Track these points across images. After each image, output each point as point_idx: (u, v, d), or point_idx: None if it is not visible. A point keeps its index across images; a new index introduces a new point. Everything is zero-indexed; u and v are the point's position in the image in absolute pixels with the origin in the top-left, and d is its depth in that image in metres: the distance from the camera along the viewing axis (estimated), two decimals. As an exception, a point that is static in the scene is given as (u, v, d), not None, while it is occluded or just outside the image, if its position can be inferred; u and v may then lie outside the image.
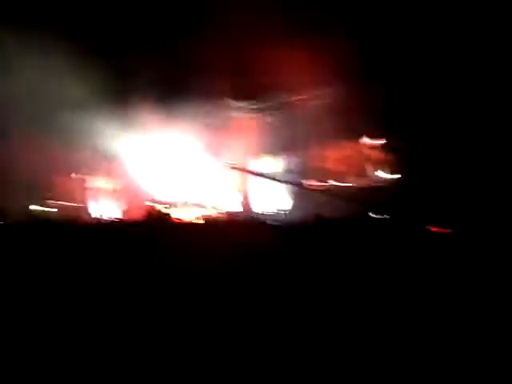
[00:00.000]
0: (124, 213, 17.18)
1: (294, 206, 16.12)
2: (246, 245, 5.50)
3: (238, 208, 17.33)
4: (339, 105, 15.25)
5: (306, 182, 16.10)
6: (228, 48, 17.04)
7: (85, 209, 20.03)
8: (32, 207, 19.71)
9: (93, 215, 18.77)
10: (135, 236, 5.97)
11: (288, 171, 17.21)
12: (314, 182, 15.68)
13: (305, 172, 16.44)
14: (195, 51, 16.36)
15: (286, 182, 16.88)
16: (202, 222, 9.55)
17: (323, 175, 15.59)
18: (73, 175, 22.16)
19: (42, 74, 15.38)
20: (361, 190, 14.91)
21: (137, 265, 4.87)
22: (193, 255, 5.12)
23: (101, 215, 18.37)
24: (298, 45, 15.30)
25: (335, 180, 15.27)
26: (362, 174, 15.92)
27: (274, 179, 17.02)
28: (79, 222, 7.74)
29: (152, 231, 6.02)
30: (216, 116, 18.19)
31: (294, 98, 17.13)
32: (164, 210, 14.02)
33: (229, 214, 16.37)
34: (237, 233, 6.49)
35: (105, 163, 19.62)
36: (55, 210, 17.93)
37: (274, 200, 16.97)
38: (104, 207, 20.29)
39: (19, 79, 15.49)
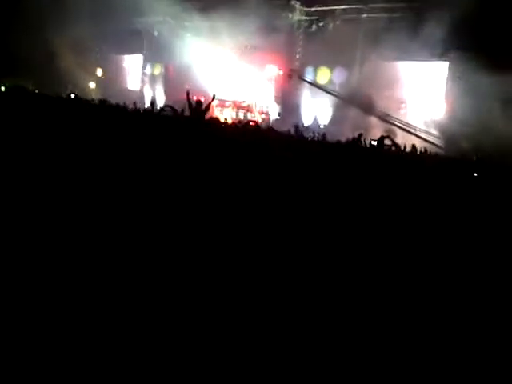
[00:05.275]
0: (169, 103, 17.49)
1: (337, 121, 15.81)
2: (277, 156, 5.24)
3: (280, 115, 17.43)
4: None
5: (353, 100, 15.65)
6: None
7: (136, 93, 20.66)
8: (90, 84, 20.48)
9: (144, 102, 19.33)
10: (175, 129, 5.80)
11: (339, 85, 16.86)
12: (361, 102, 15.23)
13: (355, 89, 15.91)
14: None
15: (336, 95, 16.50)
16: (240, 125, 9.66)
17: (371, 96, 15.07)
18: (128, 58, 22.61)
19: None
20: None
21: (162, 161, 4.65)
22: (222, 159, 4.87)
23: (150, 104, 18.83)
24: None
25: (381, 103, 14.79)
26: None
27: (326, 90, 16.70)
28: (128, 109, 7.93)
29: (191, 127, 5.88)
30: (279, 18, 17.61)
31: (363, 10, 16.31)
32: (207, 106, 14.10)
33: (268, 121, 16.53)
34: (273, 143, 6.17)
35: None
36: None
37: (317, 112, 16.83)
38: (153, 94, 20.81)
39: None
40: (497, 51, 12.04)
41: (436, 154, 8.34)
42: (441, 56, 14.18)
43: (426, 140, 13.46)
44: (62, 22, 16.81)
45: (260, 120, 15.24)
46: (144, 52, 21.47)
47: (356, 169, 4.57)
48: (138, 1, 16.62)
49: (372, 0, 15.77)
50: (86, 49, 18.22)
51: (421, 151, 7.94)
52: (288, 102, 17.30)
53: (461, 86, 13.44)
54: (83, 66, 19.21)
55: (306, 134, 9.32)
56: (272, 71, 17.92)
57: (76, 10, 16.63)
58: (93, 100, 8.99)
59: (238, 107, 17.55)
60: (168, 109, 6.60)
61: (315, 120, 16.82)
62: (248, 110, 17.45)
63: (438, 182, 4.27)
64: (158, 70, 21.05)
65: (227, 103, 17.63)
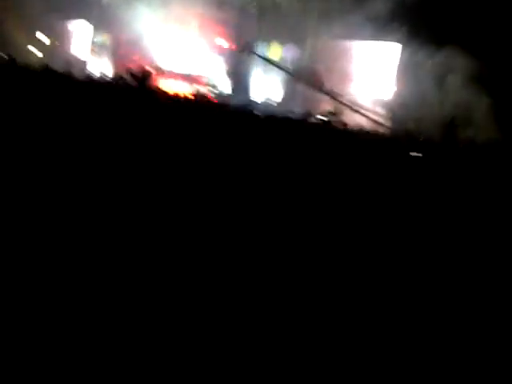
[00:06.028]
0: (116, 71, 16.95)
1: (287, 98, 15.89)
2: (228, 132, 5.27)
3: (230, 91, 17.24)
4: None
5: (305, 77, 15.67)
6: None
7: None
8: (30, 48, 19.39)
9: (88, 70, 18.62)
10: (122, 99, 5.70)
11: (290, 61, 16.84)
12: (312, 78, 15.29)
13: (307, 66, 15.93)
14: None
15: (286, 70, 16.48)
16: (190, 97, 9.51)
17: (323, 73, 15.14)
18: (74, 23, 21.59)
19: None
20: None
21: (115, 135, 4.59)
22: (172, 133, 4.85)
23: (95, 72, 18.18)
24: None
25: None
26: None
27: (277, 66, 16.65)
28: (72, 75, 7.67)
29: (139, 97, 5.79)
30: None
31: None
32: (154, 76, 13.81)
33: (220, 95, 16.32)
34: (221, 117, 6.22)
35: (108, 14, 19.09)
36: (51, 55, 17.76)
37: (268, 89, 16.79)
38: (100, 63, 20.06)
39: None
40: (449, 35, 12.36)
41: (381, 133, 8.59)
42: (393, 37, 14.40)
43: (373, 119, 13.77)
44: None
45: (211, 94, 15.05)
46: (92, 19, 20.56)
47: (302, 143, 4.66)
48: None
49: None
50: (28, 10, 17.15)
51: (367, 129, 8.16)
52: (239, 77, 17.13)
53: (411, 68, 13.71)
54: (25, 30, 18.17)
55: (256, 110, 9.33)
56: (223, 44, 17.68)
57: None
58: (36, 67, 8.61)
59: (189, 80, 17.23)
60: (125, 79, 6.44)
61: (266, 95, 16.79)
62: (199, 83, 17.15)
63: (377, 159, 4.41)
64: (106, 39, 20.25)
65: (177, 75, 17.28)
